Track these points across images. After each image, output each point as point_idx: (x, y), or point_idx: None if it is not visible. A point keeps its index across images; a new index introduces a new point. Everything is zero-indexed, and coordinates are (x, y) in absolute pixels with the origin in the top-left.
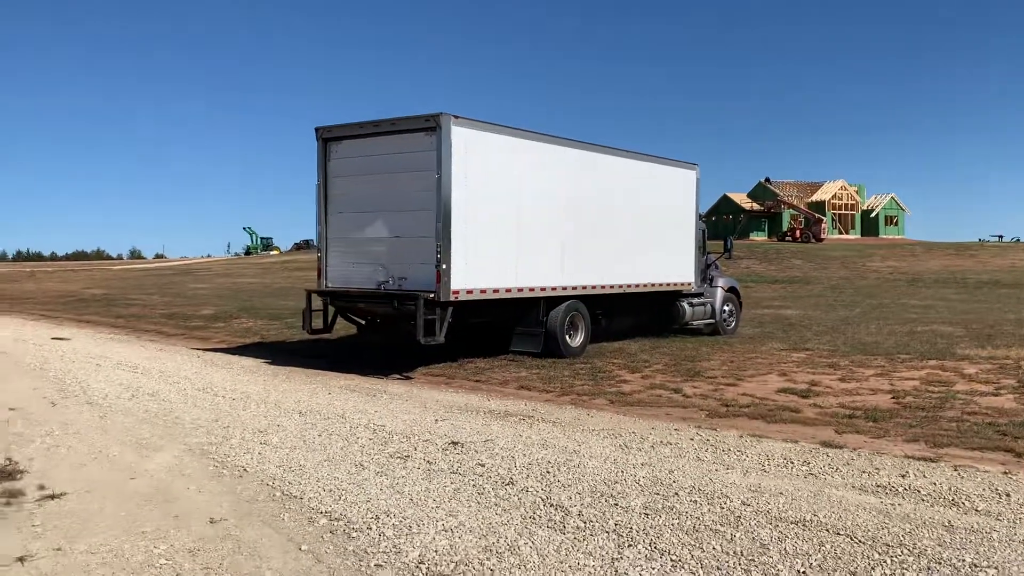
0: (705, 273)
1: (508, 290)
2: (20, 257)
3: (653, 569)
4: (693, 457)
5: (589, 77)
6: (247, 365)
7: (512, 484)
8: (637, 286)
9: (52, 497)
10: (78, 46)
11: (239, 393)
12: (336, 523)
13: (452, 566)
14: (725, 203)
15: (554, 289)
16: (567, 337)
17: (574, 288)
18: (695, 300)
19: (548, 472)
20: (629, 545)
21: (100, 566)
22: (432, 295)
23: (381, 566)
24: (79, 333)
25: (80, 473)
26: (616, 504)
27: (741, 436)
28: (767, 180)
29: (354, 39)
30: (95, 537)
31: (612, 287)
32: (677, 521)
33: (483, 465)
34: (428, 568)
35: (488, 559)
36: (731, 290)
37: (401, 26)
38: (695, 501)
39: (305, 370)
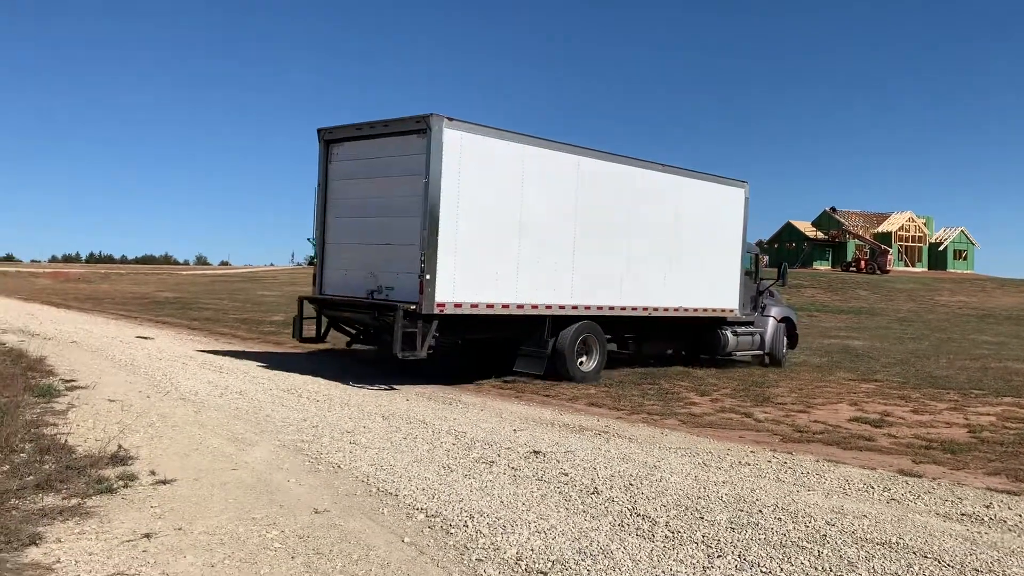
0: (756, 301)
1: (506, 306)
2: (92, 259)
3: None
4: (773, 478)
5: (658, 104)
6: (323, 369)
7: (597, 493)
8: (666, 310)
9: (164, 482)
10: (161, 51)
11: (322, 395)
12: (433, 519)
13: (549, 564)
14: (788, 231)
15: (562, 308)
16: (577, 360)
17: (587, 308)
18: (740, 329)
19: (631, 484)
20: (718, 556)
21: (220, 546)
22: (414, 307)
23: (481, 560)
24: (160, 333)
25: (186, 461)
26: (702, 517)
27: (817, 460)
28: (832, 209)
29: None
30: (210, 520)
31: (634, 310)
32: (763, 536)
33: (566, 474)
34: (527, 565)
35: (583, 560)
36: (785, 321)
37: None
38: (779, 519)
39: (379, 376)
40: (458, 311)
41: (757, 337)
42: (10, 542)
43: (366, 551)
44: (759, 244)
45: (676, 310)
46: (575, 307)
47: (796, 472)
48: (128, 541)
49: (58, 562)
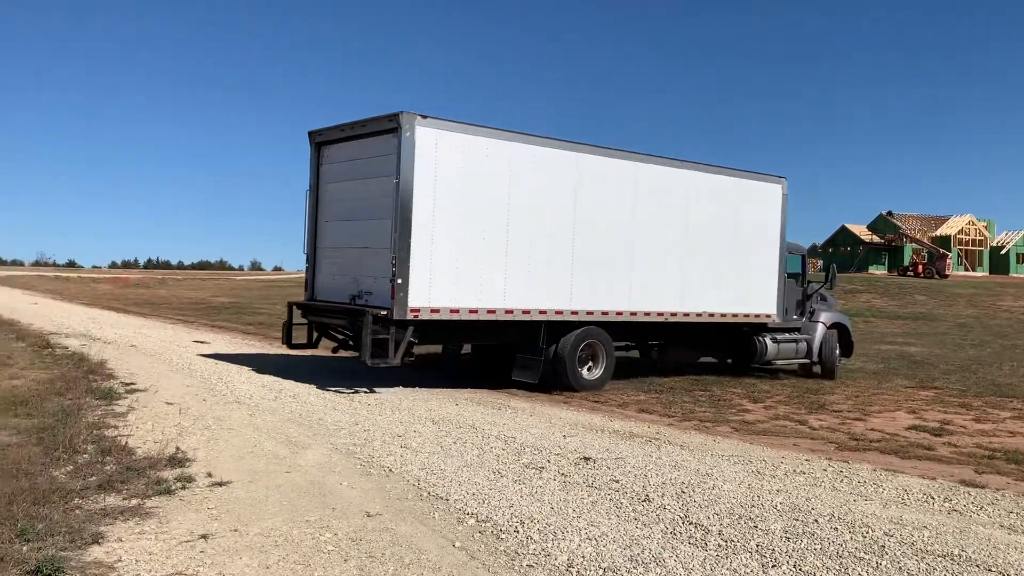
0: (804, 306)
1: (492, 311)
2: (150, 265)
3: None
4: (829, 487)
5: (704, 110)
6: (374, 375)
7: (649, 501)
8: (686, 315)
9: (220, 484)
10: (214, 55)
11: (373, 399)
12: (484, 524)
13: (600, 572)
14: (843, 235)
15: (559, 313)
16: (583, 368)
17: (589, 314)
18: (781, 336)
19: (683, 492)
20: (773, 566)
21: (274, 547)
22: (385, 312)
23: (532, 567)
24: (216, 337)
25: (241, 464)
26: (756, 526)
27: (875, 470)
28: (889, 213)
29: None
30: (265, 522)
31: (647, 315)
32: (819, 546)
33: (617, 481)
34: (578, 572)
35: (634, 568)
36: (837, 327)
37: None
38: (835, 528)
39: (429, 380)
40: (436, 317)
41: (803, 345)
42: (74, 540)
43: (417, 555)
44: (813, 248)
45: (698, 315)
46: (575, 312)
47: (853, 481)
48: (186, 541)
49: (119, 561)
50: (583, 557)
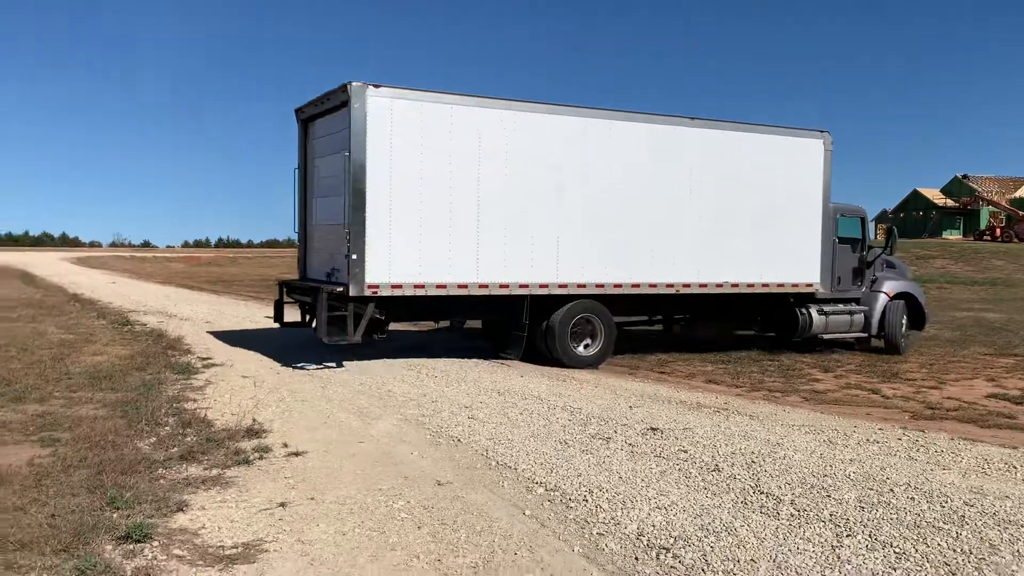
0: (862, 274)
1: (463, 286)
2: (221, 244)
3: (876, 559)
4: (904, 456)
5: (769, 71)
6: (440, 348)
7: (718, 471)
8: (702, 287)
9: (296, 454)
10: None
11: (439, 371)
12: (553, 493)
13: (671, 541)
14: (915, 199)
15: (544, 287)
16: (578, 344)
17: (581, 287)
18: (830, 307)
19: (753, 462)
20: (848, 535)
21: (350, 515)
22: (340, 289)
23: (603, 535)
24: (286, 312)
25: (315, 435)
26: (829, 496)
27: (952, 439)
28: (964, 176)
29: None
30: (340, 490)
31: (653, 287)
32: (896, 516)
33: (685, 451)
34: (648, 541)
35: (705, 537)
36: (902, 297)
37: None
38: (912, 498)
39: (492, 352)
40: (399, 293)
41: (859, 317)
42: (160, 508)
43: (489, 522)
44: (883, 214)
45: (718, 286)
46: (563, 286)
47: (929, 450)
48: (265, 509)
49: (203, 528)
50: (653, 526)
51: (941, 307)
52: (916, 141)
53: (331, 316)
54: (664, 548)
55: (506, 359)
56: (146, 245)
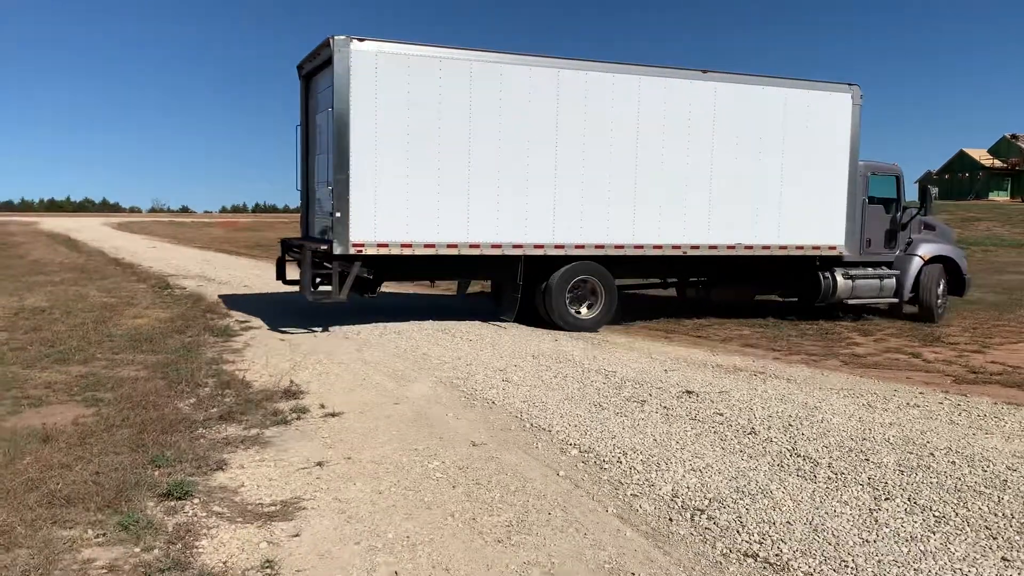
0: (895, 236)
1: (453, 246)
2: (258, 209)
3: (915, 522)
4: (945, 420)
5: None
6: (470, 312)
7: (754, 434)
8: (713, 248)
9: (332, 415)
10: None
11: (474, 335)
12: (587, 455)
13: (706, 502)
14: (961, 160)
15: (539, 247)
16: (577, 306)
17: (579, 247)
18: (857, 271)
19: (790, 425)
20: (886, 499)
21: (386, 474)
22: (325, 248)
23: (637, 496)
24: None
25: (351, 396)
26: (867, 459)
27: (995, 403)
28: (1012, 136)
29: None
30: (376, 450)
31: (658, 248)
32: (936, 480)
33: (721, 414)
34: (683, 502)
35: (741, 499)
36: (938, 260)
37: None
38: (953, 462)
39: (527, 317)
40: (385, 252)
41: (890, 282)
42: (200, 467)
43: (523, 483)
44: (928, 175)
45: (730, 248)
46: (560, 246)
47: (972, 415)
48: (303, 468)
49: (242, 486)
50: (687, 487)
51: (986, 270)
52: (963, 101)
53: (318, 274)
54: (699, 510)
55: (503, 322)
56: (184, 210)
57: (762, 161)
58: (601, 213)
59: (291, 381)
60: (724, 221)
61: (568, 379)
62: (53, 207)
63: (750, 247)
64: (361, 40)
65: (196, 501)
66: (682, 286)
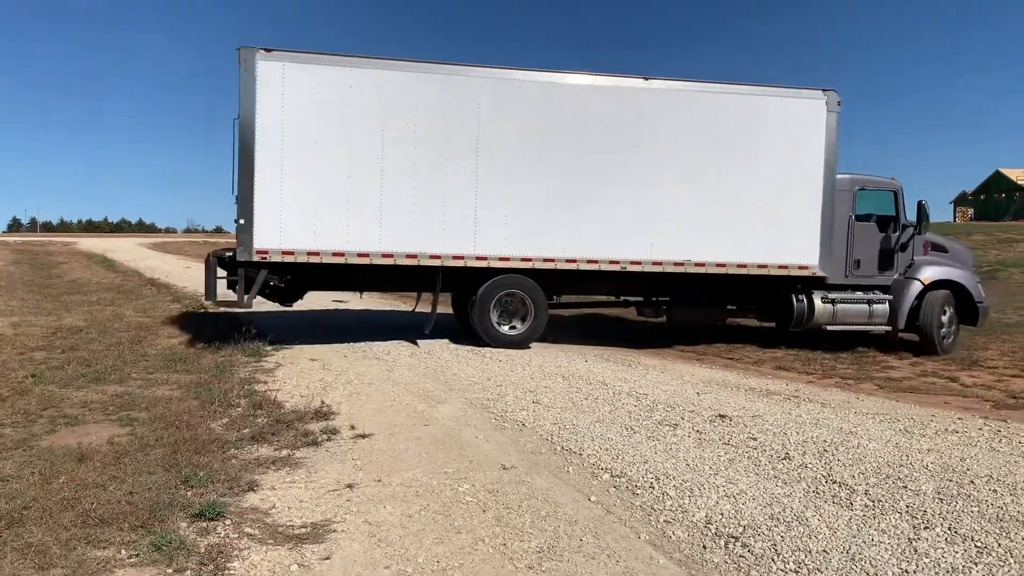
0: (893, 257)
1: (363, 255)
2: None
3: (956, 553)
4: (986, 447)
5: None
6: None
7: (789, 459)
8: (657, 264)
9: (363, 436)
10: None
11: (504, 355)
12: (618, 479)
13: (740, 529)
14: (997, 180)
15: (458, 259)
16: (506, 322)
17: (504, 260)
18: (840, 295)
19: (826, 451)
20: (926, 527)
21: (416, 497)
22: (229, 255)
23: (670, 523)
24: (353, 297)
25: (381, 417)
26: (905, 487)
27: None
28: None
29: None
30: (406, 473)
31: (593, 263)
32: (977, 509)
33: (755, 439)
34: (716, 529)
35: (776, 526)
36: (944, 285)
37: None
38: (994, 491)
39: (558, 337)
40: (291, 260)
41: (882, 307)
42: (232, 488)
43: (554, 508)
44: (963, 196)
45: (678, 265)
46: (482, 258)
47: (1013, 442)
48: (333, 490)
49: (274, 507)
50: (721, 514)
51: (1022, 291)
52: (998, 120)
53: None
54: (733, 537)
55: (419, 339)
56: (218, 231)
57: (719, 173)
58: (528, 226)
59: (322, 402)
60: (672, 236)
61: (599, 401)
62: (91, 227)
63: (700, 264)
64: (268, 51)
65: (228, 522)
66: (648, 304)
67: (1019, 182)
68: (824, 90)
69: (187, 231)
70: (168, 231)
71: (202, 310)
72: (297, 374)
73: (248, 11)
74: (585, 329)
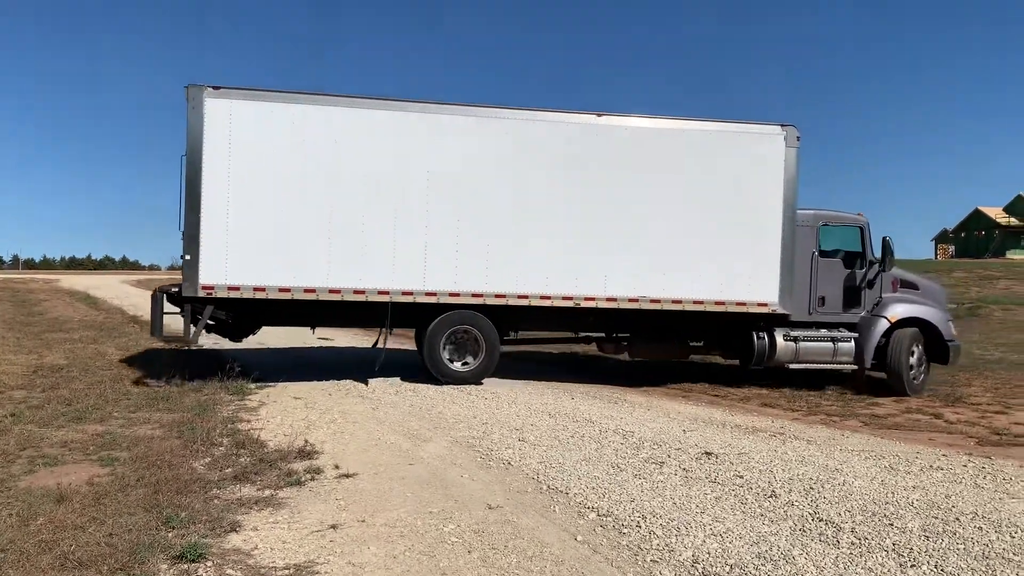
0: (859, 294)
1: (310, 291)
2: None
3: None
4: (970, 483)
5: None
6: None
7: (775, 497)
8: (611, 301)
9: (347, 476)
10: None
11: (490, 393)
12: (605, 519)
13: (727, 568)
14: (977, 217)
15: (407, 295)
16: (457, 359)
17: (454, 296)
18: (803, 333)
19: (812, 488)
20: (912, 565)
21: (400, 538)
22: (176, 289)
23: (656, 562)
24: (337, 334)
25: (366, 456)
26: (891, 524)
27: (1022, 466)
28: None
29: None
30: (390, 513)
31: (545, 299)
32: (963, 546)
33: (741, 476)
34: (703, 569)
35: (762, 565)
36: (912, 323)
37: None
38: (980, 528)
39: (544, 374)
40: (237, 295)
41: (847, 345)
42: (214, 528)
43: (540, 548)
44: (944, 234)
45: (632, 301)
46: (431, 294)
47: (997, 478)
48: (316, 531)
49: (256, 549)
50: (708, 553)
51: (1006, 329)
52: (979, 158)
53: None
54: None
55: (374, 377)
56: None
57: (674, 207)
58: (479, 263)
59: (305, 440)
60: (626, 272)
61: (585, 439)
62: (74, 264)
63: (656, 301)
64: (216, 88)
65: (209, 564)
66: (608, 340)
67: (997, 219)
68: (783, 125)
69: (171, 268)
70: (152, 268)
71: (185, 347)
72: (281, 412)
73: (258, 53)
74: (571, 366)
